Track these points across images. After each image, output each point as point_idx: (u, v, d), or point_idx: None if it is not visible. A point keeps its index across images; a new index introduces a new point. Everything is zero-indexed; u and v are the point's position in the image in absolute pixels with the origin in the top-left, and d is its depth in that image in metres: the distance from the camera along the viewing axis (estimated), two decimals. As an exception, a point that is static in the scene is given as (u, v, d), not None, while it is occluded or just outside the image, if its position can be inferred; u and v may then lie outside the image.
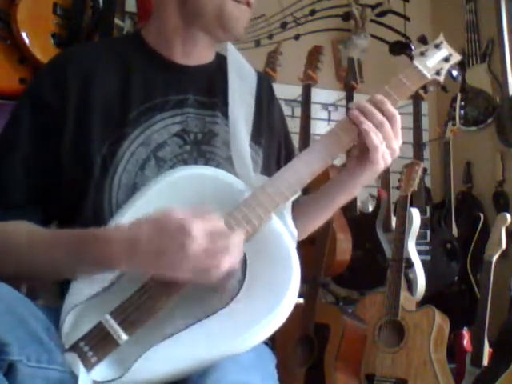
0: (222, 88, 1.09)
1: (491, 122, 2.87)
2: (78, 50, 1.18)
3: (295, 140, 1.29)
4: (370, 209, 2.55)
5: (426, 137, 2.98)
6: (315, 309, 2.16)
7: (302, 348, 2.16)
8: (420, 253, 2.40)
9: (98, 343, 0.84)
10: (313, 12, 2.89)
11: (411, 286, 2.29)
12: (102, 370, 0.84)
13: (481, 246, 2.35)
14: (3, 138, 1.05)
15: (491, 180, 2.88)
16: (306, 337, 2.15)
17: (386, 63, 2.92)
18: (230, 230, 0.87)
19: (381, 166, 0.99)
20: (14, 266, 0.95)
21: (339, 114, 2.97)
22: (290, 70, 2.61)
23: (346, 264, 2.39)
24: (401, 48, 2.73)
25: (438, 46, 1.06)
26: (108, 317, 0.85)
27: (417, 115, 2.68)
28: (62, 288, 0.93)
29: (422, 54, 1.05)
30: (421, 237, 2.46)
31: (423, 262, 2.37)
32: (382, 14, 2.94)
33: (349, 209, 2.49)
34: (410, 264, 2.27)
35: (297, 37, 2.86)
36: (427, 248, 2.52)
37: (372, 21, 2.98)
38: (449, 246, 2.58)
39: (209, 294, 0.88)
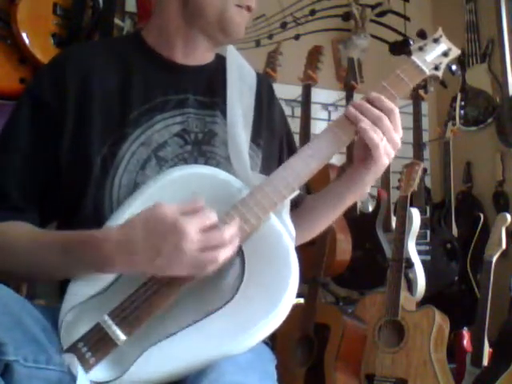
0: (222, 88, 1.09)
1: (491, 122, 2.87)
2: (77, 49, 1.18)
3: (295, 140, 1.29)
4: (370, 209, 2.55)
5: (426, 137, 2.98)
6: (315, 309, 2.16)
7: (302, 348, 2.16)
8: (420, 253, 2.40)
9: (97, 344, 0.84)
10: (313, 12, 2.88)
11: (411, 286, 2.29)
12: (101, 371, 0.84)
13: (481, 246, 2.35)
14: (2, 137, 1.04)
15: (491, 180, 2.87)
16: (306, 337, 2.15)
17: (386, 63, 2.91)
18: (223, 224, 0.87)
19: (384, 161, 0.98)
20: (12, 267, 0.96)
21: (339, 113, 2.94)
22: (290, 70, 2.61)
23: (346, 264, 2.39)
24: (401, 48, 2.73)
25: (436, 41, 1.05)
26: (106, 317, 0.85)
27: (417, 115, 2.68)
28: (63, 288, 0.93)
29: (421, 48, 1.04)
30: (421, 237, 2.46)
31: (423, 262, 2.37)
32: (382, 13, 2.93)
33: (349, 209, 2.48)
34: (410, 264, 2.27)
35: (297, 37, 2.86)
36: (427, 248, 2.52)
37: (372, 21, 2.98)
38: (449, 245, 2.58)
39: (207, 294, 0.88)
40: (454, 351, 2.24)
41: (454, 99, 2.73)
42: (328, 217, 1.18)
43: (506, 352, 1.96)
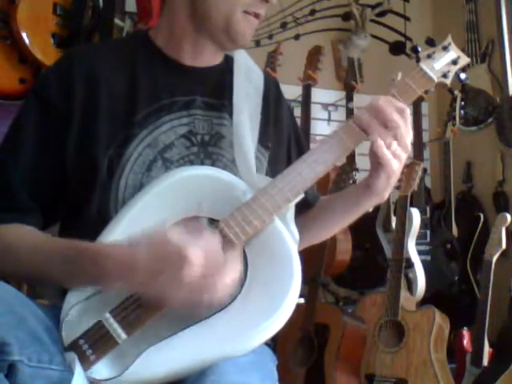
0: (230, 90, 1.08)
1: (491, 122, 2.87)
2: (83, 50, 1.18)
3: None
4: (370, 209, 2.55)
5: (426, 137, 2.98)
6: (315, 309, 2.16)
7: (302, 348, 2.17)
8: (420, 253, 2.40)
9: (98, 341, 0.85)
10: (313, 12, 2.88)
11: (411, 286, 2.29)
12: (101, 369, 0.84)
13: (481, 246, 2.35)
14: (9, 138, 1.04)
15: (491, 180, 2.88)
16: (306, 337, 2.15)
17: (386, 63, 2.92)
18: (226, 250, 0.86)
19: (395, 166, 0.97)
20: (13, 271, 0.96)
21: (339, 113, 2.97)
22: (290, 70, 2.61)
23: (346, 264, 2.39)
24: (401, 48, 2.73)
25: (445, 48, 1.05)
26: (108, 315, 0.86)
27: (417, 115, 2.68)
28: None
29: (429, 56, 1.04)
30: (421, 237, 2.46)
31: (423, 262, 2.37)
32: (382, 13, 2.93)
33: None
34: (410, 264, 2.27)
35: (297, 37, 2.85)
36: (427, 248, 2.52)
37: (372, 21, 2.98)
38: (449, 246, 2.58)
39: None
40: (454, 351, 2.24)
41: (454, 99, 2.72)
42: (342, 220, 1.18)
43: (506, 352, 1.96)
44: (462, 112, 2.76)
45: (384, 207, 2.50)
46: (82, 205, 1.00)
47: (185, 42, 1.08)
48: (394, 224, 2.36)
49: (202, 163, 1.04)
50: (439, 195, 2.91)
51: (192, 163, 1.04)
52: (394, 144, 0.95)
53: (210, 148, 1.06)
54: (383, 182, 1.00)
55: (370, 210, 1.15)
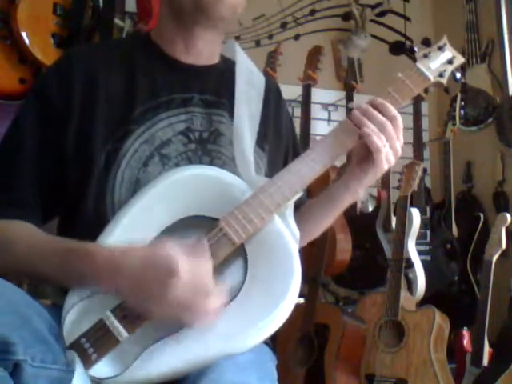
0: (229, 89, 1.09)
1: (491, 122, 2.87)
2: (83, 50, 1.18)
3: (295, 140, 1.31)
4: (370, 209, 2.55)
5: (426, 137, 2.98)
6: (315, 309, 2.16)
7: (302, 348, 2.17)
8: (420, 253, 2.40)
9: (99, 340, 0.85)
10: (313, 12, 2.88)
11: (411, 286, 2.29)
12: (102, 367, 0.85)
13: (481, 246, 2.35)
14: (8, 137, 1.05)
15: (491, 180, 2.87)
16: (306, 337, 2.15)
17: (386, 63, 2.91)
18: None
19: (384, 166, 0.99)
20: (10, 267, 0.96)
21: (339, 113, 2.97)
22: (290, 70, 2.61)
23: (346, 264, 2.39)
24: (401, 48, 2.73)
25: (441, 48, 1.07)
26: (109, 314, 0.86)
27: (417, 115, 2.68)
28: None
29: (426, 56, 1.05)
30: (421, 237, 2.46)
31: (423, 262, 2.37)
32: (382, 14, 2.93)
33: (349, 209, 2.48)
34: (410, 264, 2.27)
35: (297, 37, 2.86)
36: (427, 248, 2.52)
37: (372, 21, 2.98)
38: (449, 246, 2.58)
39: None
40: (454, 351, 2.24)
41: (454, 99, 2.73)
42: (327, 218, 1.19)
43: (506, 352, 1.96)
44: (462, 112, 2.76)
45: (384, 207, 2.50)
46: (79, 200, 1.01)
47: (176, 37, 1.10)
48: (394, 224, 2.36)
49: (200, 160, 1.05)
50: (439, 195, 2.91)
51: (189, 160, 1.04)
52: (386, 145, 0.97)
53: (208, 145, 1.07)
54: (369, 179, 1.03)
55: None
